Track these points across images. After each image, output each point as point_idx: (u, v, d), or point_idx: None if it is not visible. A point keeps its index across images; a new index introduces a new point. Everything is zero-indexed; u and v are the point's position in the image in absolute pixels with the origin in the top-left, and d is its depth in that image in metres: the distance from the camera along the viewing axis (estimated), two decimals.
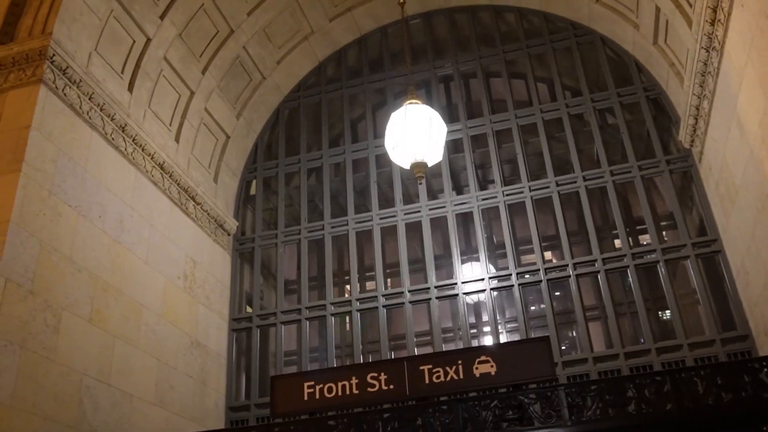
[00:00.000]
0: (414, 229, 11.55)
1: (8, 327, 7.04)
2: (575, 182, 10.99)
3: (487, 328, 11.62)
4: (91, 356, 8.10)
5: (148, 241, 9.67)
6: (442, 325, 10.96)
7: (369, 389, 6.74)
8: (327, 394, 6.82)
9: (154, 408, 9.08)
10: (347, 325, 11.71)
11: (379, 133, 11.76)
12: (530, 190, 11.07)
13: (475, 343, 11.56)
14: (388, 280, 11.91)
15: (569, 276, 10.37)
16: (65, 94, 8.46)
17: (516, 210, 11.20)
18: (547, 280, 10.43)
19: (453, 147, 11.77)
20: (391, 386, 6.71)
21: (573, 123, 11.52)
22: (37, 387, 7.25)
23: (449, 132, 9.96)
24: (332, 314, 11.14)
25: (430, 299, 10.80)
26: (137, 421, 8.64)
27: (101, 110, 9.03)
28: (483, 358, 6.66)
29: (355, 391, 6.73)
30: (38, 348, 7.35)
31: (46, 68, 8.19)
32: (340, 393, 6.79)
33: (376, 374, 6.76)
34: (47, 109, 8.17)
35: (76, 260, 8.16)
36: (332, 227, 11.78)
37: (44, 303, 7.56)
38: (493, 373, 6.58)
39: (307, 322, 11.21)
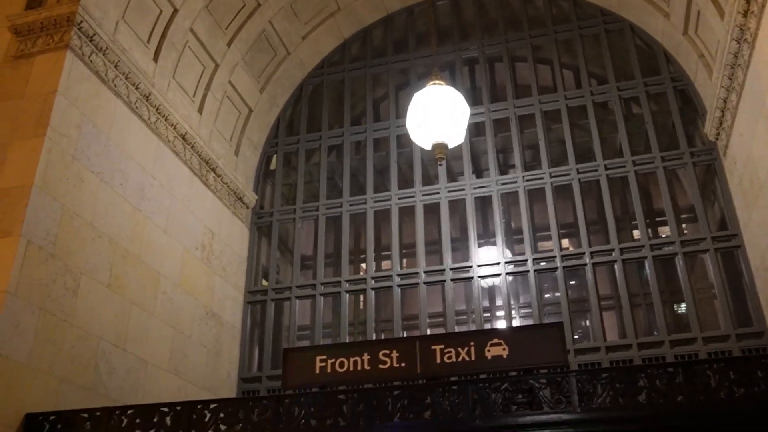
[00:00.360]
0: (432, 210, 11.55)
1: (28, 289, 7.16)
2: (596, 170, 10.91)
3: (500, 313, 11.62)
4: (109, 321, 8.22)
5: (167, 211, 9.75)
6: (456, 307, 10.98)
7: (380, 366, 6.78)
8: (338, 369, 6.87)
9: (168, 375, 9.21)
10: (361, 303, 11.77)
11: (401, 113, 11.72)
12: (551, 177, 11.01)
13: (488, 326, 11.57)
14: (404, 260, 11.94)
15: (585, 264, 10.33)
16: (91, 61, 8.51)
17: (535, 196, 11.15)
18: (563, 267, 10.39)
19: (475, 130, 11.72)
20: (403, 364, 6.75)
21: (597, 111, 11.40)
22: (54, 349, 7.38)
23: (472, 115, 9.87)
24: (347, 291, 11.20)
25: (444, 281, 10.82)
26: (151, 387, 8.77)
27: (126, 78, 9.08)
28: (495, 340, 6.66)
29: (366, 367, 6.77)
30: (57, 311, 7.48)
31: (74, 35, 8.24)
32: (351, 368, 6.83)
33: (387, 351, 6.80)
34: (73, 75, 8.23)
35: (97, 226, 8.25)
36: (350, 205, 11.81)
37: (64, 267, 7.67)
38: (504, 356, 6.58)
39: (322, 298, 11.29)
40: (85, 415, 6.87)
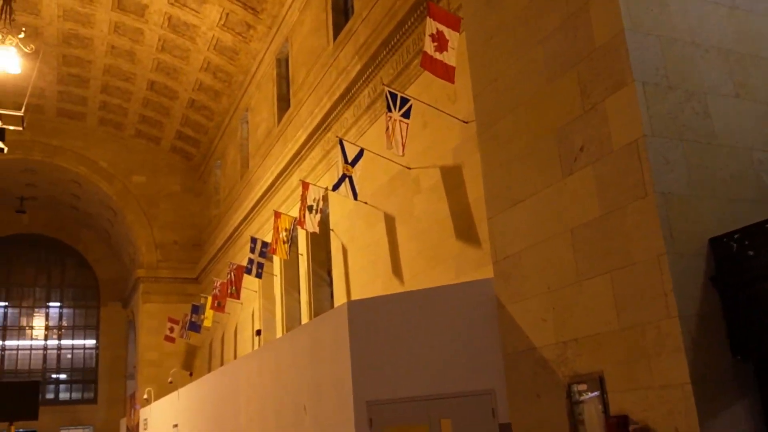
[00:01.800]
0: None
1: (662, 125, 7.19)
2: None
3: None
4: (751, 130, 7.66)
5: None
6: None
7: None
8: None
9: None
10: None
11: None
12: None
13: None
14: None
15: None
16: None
17: None
18: None
19: None
20: None
21: None
22: (708, 173, 7.28)
23: None
24: None
25: None
26: None
27: None
28: None
29: None
30: (696, 137, 7.33)
31: None
32: None
33: None
34: None
35: (698, 42, 7.74)
36: None
37: (684, 93, 7.44)
38: None
39: None
40: None
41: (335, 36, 20.01)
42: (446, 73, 11.37)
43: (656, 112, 7.21)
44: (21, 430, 39.41)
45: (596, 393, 7.44)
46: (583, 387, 7.66)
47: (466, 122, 12.40)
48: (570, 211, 7.97)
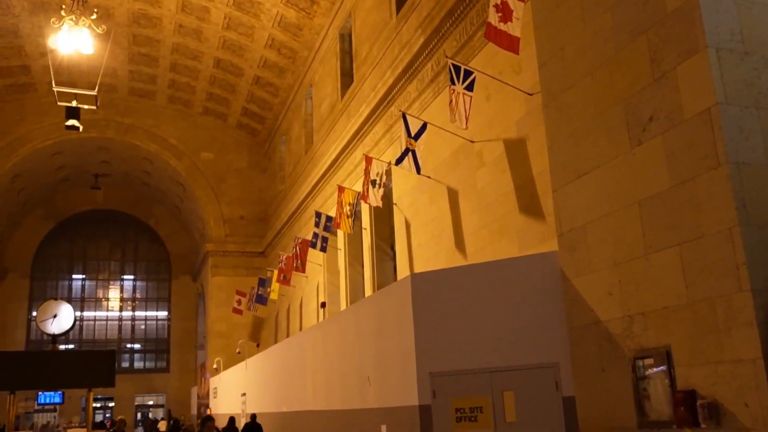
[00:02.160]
0: None
1: (736, 93, 6.92)
2: None
3: None
4: None
5: None
6: None
7: None
8: None
9: None
10: None
11: None
12: None
13: None
14: None
15: None
16: None
17: None
18: None
19: None
20: None
21: None
22: None
23: None
24: None
25: None
26: None
27: None
28: None
29: None
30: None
31: None
32: None
33: None
34: None
35: None
36: None
37: (762, 59, 7.14)
38: None
39: None
40: None
41: (398, 9, 19.91)
42: (511, 44, 11.19)
43: (731, 79, 6.94)
44: (99, 396, 41.47)
45: (663, 367, 7.31)
46: (649, 361, 7.54)
47: (531, 94, 12.21)
48: (638, 182, 7.79)
